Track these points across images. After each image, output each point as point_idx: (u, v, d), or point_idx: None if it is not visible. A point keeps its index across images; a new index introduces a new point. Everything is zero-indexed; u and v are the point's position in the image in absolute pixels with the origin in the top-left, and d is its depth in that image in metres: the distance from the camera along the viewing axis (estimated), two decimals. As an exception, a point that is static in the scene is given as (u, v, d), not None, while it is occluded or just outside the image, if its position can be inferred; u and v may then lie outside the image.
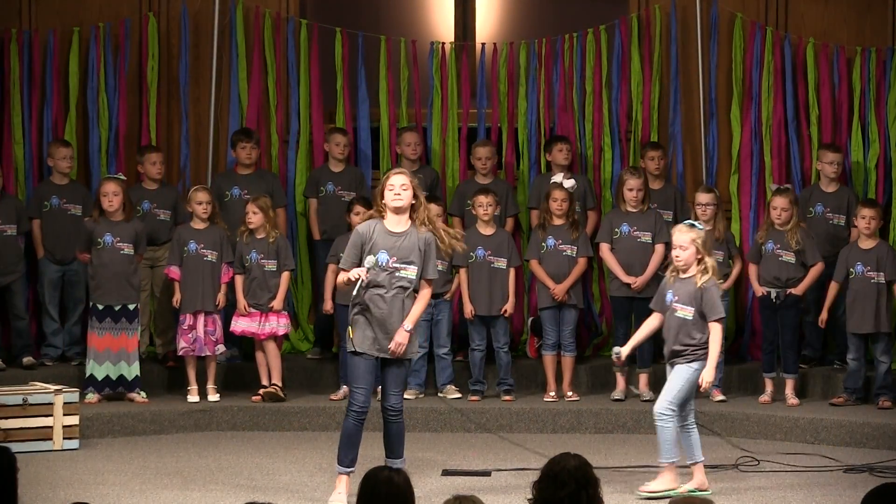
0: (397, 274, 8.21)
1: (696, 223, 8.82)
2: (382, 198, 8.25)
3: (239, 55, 12.16)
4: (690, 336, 8.55)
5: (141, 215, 11.36)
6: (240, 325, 11.05)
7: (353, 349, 8.29)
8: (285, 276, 11.07)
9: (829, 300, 10.93)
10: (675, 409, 8.56)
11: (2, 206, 11.25)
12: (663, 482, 8.55)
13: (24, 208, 11.39)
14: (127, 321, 10.82)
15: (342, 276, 8.28)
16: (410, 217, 8.27)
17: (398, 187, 8.21)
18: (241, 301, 11.01)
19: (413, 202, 8.25)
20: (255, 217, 11.01)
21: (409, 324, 8.25)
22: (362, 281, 8.12)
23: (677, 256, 8.60)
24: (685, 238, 8.58)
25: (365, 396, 8.26)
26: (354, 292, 8.16)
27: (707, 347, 8.55)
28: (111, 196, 10.84)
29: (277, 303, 11.01)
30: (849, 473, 9.27)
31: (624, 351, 8.83)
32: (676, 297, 8.59)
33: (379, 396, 8.44)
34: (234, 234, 11.17)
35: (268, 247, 11.04)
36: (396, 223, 8.25)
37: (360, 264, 8.22)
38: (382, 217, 8.28)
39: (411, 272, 8.23)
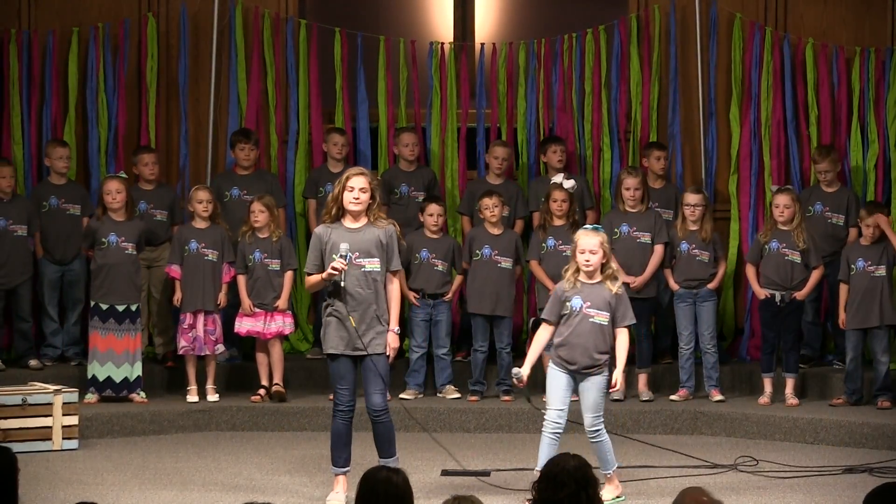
0: (362, 269, 8.21)
1: (599, 226, 8.65)
2: (340, 198, 8.24)
3: (238, 55, 12.17)
4: (606, 344, 8.35)
5: (138, 216, 11.36)
6: (245, 325, 11.05)
7: (328, 351, 8.30)
8: (289, 275, 11.08)
9: (841, 300, 10.90)
10: (603, 419, 8.40)
11: (13, 206, 11.24)
12: (611, 490, 8.45)
13: (34, 210, 11.36)
14: (130, 322, 10.83)
15: (314, 277, 8.27)
16: (366, 214, 8.27)
17: (357, 190, 8.20)
18: (246, 301, 11.01)
19: (370, 202, 8.25)
20: (261, 216, 11.01)
21: (395, 325, 8.27)
22: (343, 274, 8.12)
23: (588, 261, 8.33)
24: (594, 242, 8.34)
25: (349, 395, 8.28)
26: (343, 283, 8.15)
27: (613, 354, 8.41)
28: (114, 193, 10.86)
29: (282, 302, 11.02)
30: (848, 473, 9.26)
31: (524, 372, 8.44)
32: (588, 304, 8.34)
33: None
34: (235, 234, 11.18)
35: (271, 246, 11.05)
36: (353, 220, 8.27)
37: (323, 267, 8.23)
38: (340, 219, 8.27)
39: (375, 265, 8.23)
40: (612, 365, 8.42)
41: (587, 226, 8.68)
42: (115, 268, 10.85)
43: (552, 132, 12.10)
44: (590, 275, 8.36)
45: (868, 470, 9.29)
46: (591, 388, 8.34)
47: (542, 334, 8.47)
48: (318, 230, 8.34)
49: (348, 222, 8.27)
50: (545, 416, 8.38)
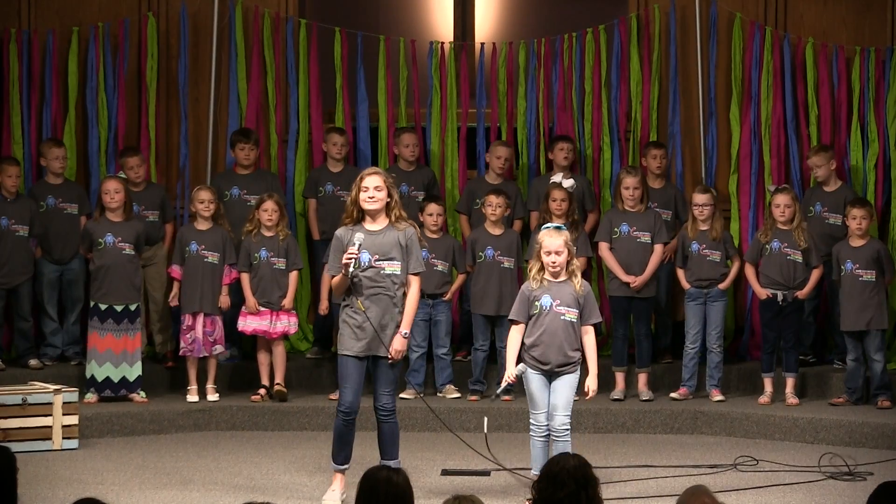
0: (382, 272, 8.21)
1: (561, 226, 8.61)
2: (358, 200, 8.24)
3: (238, 55, 12.16)
4: (577, 341, 8.36)
5: (135, 216, 11.36)
6: (250, 323, 11.04)
7: (341, 353, 8.30)
8: (294, 275, 11.07)
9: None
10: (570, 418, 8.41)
11: (17, 206, 11.25)
12: None
13: (37, 212, 11.35)
14: (129, 322, 10.83)
15: (338, 278, 8.27)
16: (386, 214, 8.27)
17: (372, 189, 8.20)
18: (251, 299, 11.00)
19: (388, 200, 8.25)
20: (275, 215, 11.01)
21: (405, 328, 8.26)
22: (357, 261, 8.12)
23: (554, 262, 8.31)
24: (559, 242, 8.31)
25: (353, 396, 8.28)
26: (352, 269, 8.14)
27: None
28: (112, 193, 10.86)
29: (288, 301, 11.01)
30: (848, 473, 9.25)
31: (513, 374, 8.39)
32: (558, 301, 8.33)
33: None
34: (235, 233, 11.17)
35: (278, 245, 11.04)
36: (373, 222, 8.26)
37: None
38: (361, 222, 8.26)
39: (395, 267, 8.24)
40: (584, 364, 8.41)
41: (549, 225, 8.67)
42: (113, 268, 10.84)
43: (552, 132, 12.10)
44: (555, 274, 8.37)
45: (851, 474, 9.21)
46: (564, 385, 8.35)
47: (515, 335, 8.46)
48: (339, 232, 8.33)
49: (368, 224, 8.26)
50: (532, 420, 8.40)
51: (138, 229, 10.99)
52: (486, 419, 8.70)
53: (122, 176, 11.14)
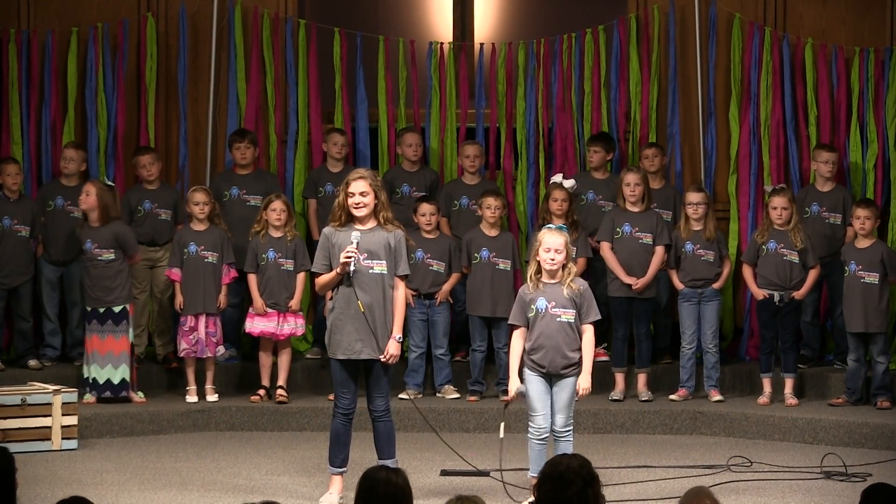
0: (370, 271, 8.21)
1: (562, 226, 8.59)
2: (346, 204, 8.25)
3: (237, 55, 12.16)
4: (577, 341, 8.32)
5: (142, 215, 11.36)
6: (257, 325, 11.01)
7: (333, 356, 8.30)
8: (302, 276, 11.04)
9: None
10: (573, 420, 8.41)
11: (19, 206, 11.24)
12: None
13: (39, 212, 11.34)
14: (113, 323, 10.74)
15: (325, 277, 8.27)
16: (374, 216, 8.28)
17: (358, 195, 8.21)
18: (258, 300, 10.98)
19: (375, 202, 8.25)
20: (283, 215, 11.00)
21: (397, 333, 8.26)
22: (356, 259, 8.13)
23: (553, 259, 8.29)
24: (559, 241, 8.28)
25: (350, 399, 8.30)
26: (352, 268, 8.15)
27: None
28: (84, 195, 10.83)
29: (295, 302, 11.00)
30: (843, 474, 9.26)
31: (519, 386, 8.39)
32: (552, 303, 8.30)
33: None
34: (234, 233, 11.16)
35: (286, 246, 11.03)
36: (361, 223, 8.27)
37: (332, 266, 8.23)
38: (349, 223, 8.27)
39: (381, 267, 8.23)
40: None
41: (550, 225, 8.67)
42: (92, 271, 10.81)
43: (552, 132, 12.08)
44: (552, 274, 8.35)
45: (846, 475, 9.20)
46: (566, 388, 8.34)
47: (516, 340, 8.44)
48: (326, 231, 8.35)
49: (357, 226, 8.27)
50: (531, 423, 8.39)
51: (117, 233, 10.83)
52: (503, 424, 8.67)
53: (107, 182, 11.05)
